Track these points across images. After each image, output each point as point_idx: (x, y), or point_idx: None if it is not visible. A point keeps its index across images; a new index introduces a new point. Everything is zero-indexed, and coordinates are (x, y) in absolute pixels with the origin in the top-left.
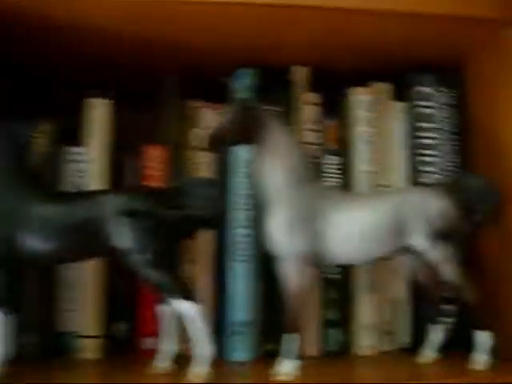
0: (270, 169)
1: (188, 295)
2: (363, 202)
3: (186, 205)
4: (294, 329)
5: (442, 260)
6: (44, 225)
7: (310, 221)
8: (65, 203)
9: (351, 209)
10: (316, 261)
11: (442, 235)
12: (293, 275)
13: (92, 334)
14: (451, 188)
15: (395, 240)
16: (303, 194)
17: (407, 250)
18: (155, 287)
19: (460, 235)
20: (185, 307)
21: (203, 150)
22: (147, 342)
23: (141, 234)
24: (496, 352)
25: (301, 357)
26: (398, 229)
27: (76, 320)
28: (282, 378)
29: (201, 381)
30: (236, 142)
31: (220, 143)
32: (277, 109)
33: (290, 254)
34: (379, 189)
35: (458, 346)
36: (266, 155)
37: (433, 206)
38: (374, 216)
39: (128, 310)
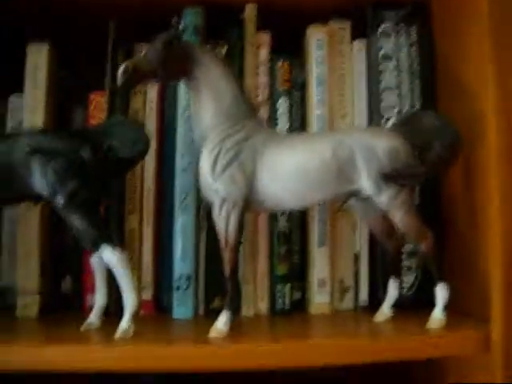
0: (202, 107)
1: (110, 241)
2: (301, 143)
3: (107, 145)
4: (234, 283)
5: (392, 205)
6: None
7: (240, 162)
8: None
9: (286, 150)
10: (249, 205)
11: (391, 178)
12: (223, 221)
13: (33, 290)
14: (404, 126)
15: (339, 183)
16: (235, 135)
17: (356, 195)
18: (77, 233)
19: (413, 178)
20: (106, 254)
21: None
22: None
23: (54, 176)
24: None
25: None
26: (342, 171)
27: (15, 275)
28: (212, 334)
29: (122, 336)
30: (160, 79)
31: (134, 81)
32: (224, 48)
33: (219, 198)
34: (326, 130)
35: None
36: (198, 93)
37: (380, 145)
38: (310, 157)
39: (74, 265)
